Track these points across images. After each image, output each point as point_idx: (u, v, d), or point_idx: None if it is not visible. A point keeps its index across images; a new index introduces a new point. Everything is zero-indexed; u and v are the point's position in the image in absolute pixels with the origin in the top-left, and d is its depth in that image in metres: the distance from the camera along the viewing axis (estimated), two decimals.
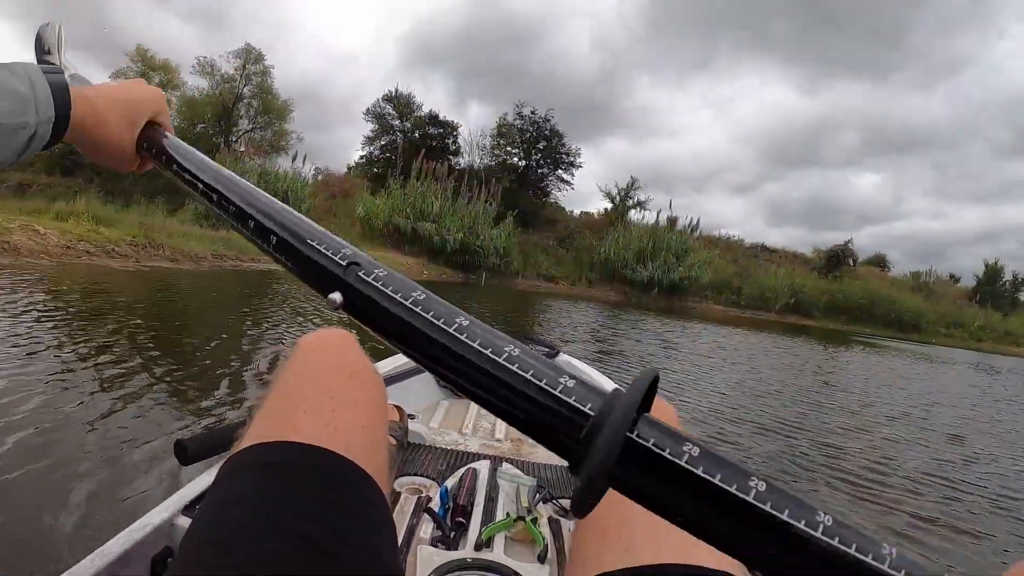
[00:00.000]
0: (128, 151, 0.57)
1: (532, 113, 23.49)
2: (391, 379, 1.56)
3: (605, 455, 0.27)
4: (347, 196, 20.16)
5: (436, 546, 0.94)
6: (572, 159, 24.14)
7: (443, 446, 1.46)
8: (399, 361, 1.78)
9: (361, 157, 24.30)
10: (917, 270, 34.13)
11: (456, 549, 0.94)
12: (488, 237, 18.01)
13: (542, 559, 0.94)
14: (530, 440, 1.56)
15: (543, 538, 0.98)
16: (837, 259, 28.32)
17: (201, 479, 0.98)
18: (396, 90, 23.50)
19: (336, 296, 0.37)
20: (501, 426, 1.68)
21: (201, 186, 0.49)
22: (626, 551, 0.50)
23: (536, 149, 23.44)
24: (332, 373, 0.58)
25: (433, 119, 23.35)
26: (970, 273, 38.10)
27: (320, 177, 22.82)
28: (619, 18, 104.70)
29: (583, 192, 48.48)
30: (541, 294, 16.31)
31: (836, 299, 24.87)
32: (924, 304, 27.74)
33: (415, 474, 1.24)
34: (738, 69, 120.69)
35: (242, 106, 23.13)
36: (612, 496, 0.46)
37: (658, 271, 20.97)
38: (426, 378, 1.86)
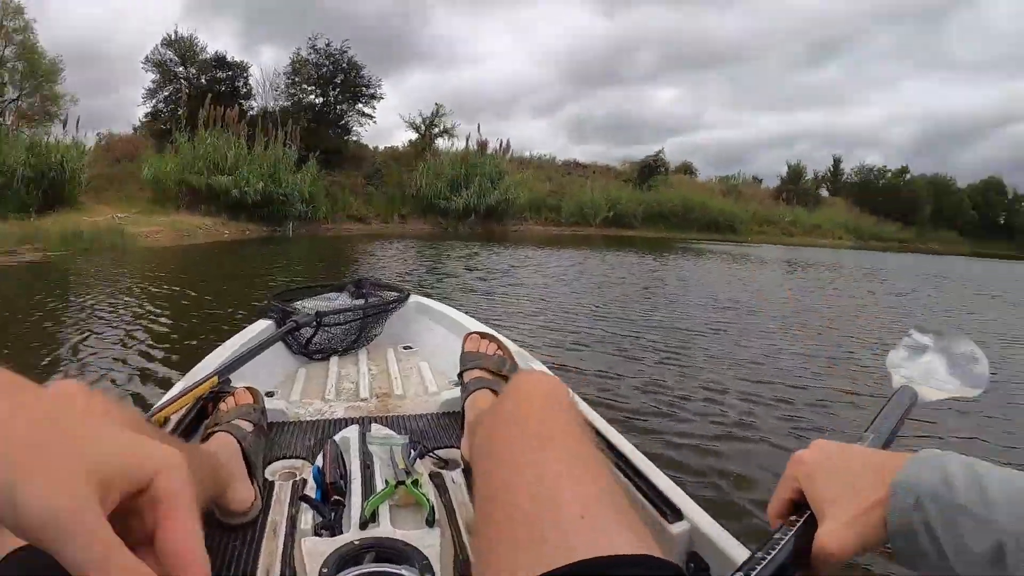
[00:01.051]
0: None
1: (327, 46, 22.50)
2: (240, 358, 1.42)
3: None
4: (133, 159, 18.58)
5: (320, 534, 0.90)
6: (373, 91, 23.48)
7: (308, 419, 1.40)
8: (245, 338, 1.67)
9: (146, 115, 22.30)
10: (723, 175, 37.30)
11: (341, 532, 0.90)
12: (291, 183, 17.42)
13: (431, 522, 0.92)
14: (396, 392, 1.55)
15: (427, 499, 0.96)
16: (650, 170, 29.52)
17: None
18: (176, 32, 21.64)
19: None
20: (364, 384, 1.62)
21: None
22: (538, 555, 0.48)
23: (334, 84, 22.57)
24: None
25: (220, 61, 21.73)
26: (772, 175, 41.57)
27: (103, 143, 20.89)
28: None
29: (387, 127, 47.96)
30: (354, 238, 16.16)
31: (653, 208, 26.45)
32: (735, 206, 30.26)
33: (284, 457, 1.20)
34: None
35: (4, 71, 20.48)
36: (516, 495, 0.55)
37: (473, 197, 21.18)
38: (277, 349, 1.72)
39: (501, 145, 24.43)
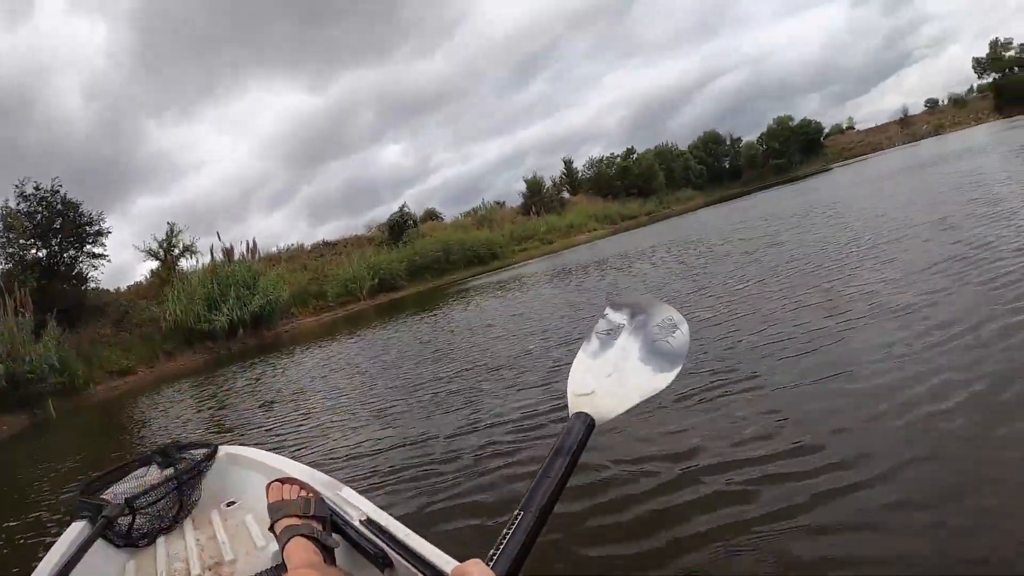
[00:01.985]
0: None
1: (36, 190, 20.71)
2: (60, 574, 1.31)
3: None
4: None
5: None
6: (98, 227, 22.01)
7: None
8: (62, 549, 1.50)
9: None
10: (467, 209, 39.26)
11: None
12: (35, 357, 16.01)
13: None
14: (227, 558, 1.50)
15: None
16: (399, 227, 30.25)
17: None
18: None
19: None
20: (194, 560, 1.56)
21: None
22: None
23: (54, 231, 20.88)
24: None
25: None
26: (513, 194, 44.58)
27: None
28: (109, 60, 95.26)
29: (124, 264, 44.24)
30: (126, 395, 15.18)
31: (415, 262, 26.89)
32: (492, 234, 31.70)
33: None
34: (246, 85, 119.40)
35: None
36: None
37: (235, 310, 20.62)
38: (99, 550, 1.57)
39: (248, 247, 24.13)
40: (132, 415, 10.54)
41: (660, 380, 0.86)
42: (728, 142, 57.61)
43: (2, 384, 14.96)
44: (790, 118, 54.72)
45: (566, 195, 43.45)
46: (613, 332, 0.96)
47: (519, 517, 0.69)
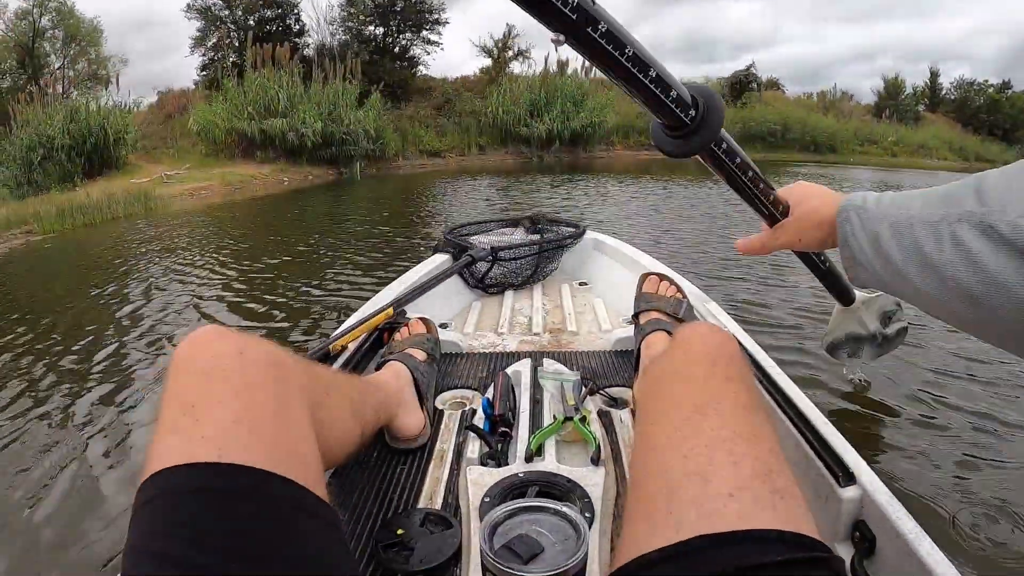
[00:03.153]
0: None
1: None
2: (417, 290, 1.48)
3: (715, 129, 0.70)
4: (184, 113, 17.02)
5: (485, 464, 0.91)
6: (436, 16, 21.03)
7: (480, 350, 1.40)
8: (423, 271, 1.72)
9: (197, 68, 20.58)
10: (808, 91, 32.83)
11: (506, 464, 0.91)
12: (354, 121, 15.28)
13: (595, 460, 0.91)
14: (569, 328, 1.57)
15: (594, 437, 0.96)
16: (741, 85, 26.32)
17: None
18: None
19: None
20: (538, 319, 1.62)
21: None
22: (676, 528, 0.47)
23: (393, 12, 20.23)
24: (192, 377, 0.54)
25: None
26: (859, 91, 36.74)
27: (155, 101, 19.51)
28: None
29: (454, 61, 44.56)
30: (428, 175, 14.18)
31: (750, 127, 22.89)
32: (837, 124, 26.25)
33: (454, 387, 1.21)
34: None
35: (46, 42, 19.41)
36: (668, 462, 0.53)
37: (556, 122, 18.73)
38: (453, 283, 1.75)
39: (582, 65, 21.26)
40: (423, 197, 9.99)
41: None
42: None
43: (317, 139, 14.55)
44: None
45: (921, 110, 34.28)
46: None
47: None
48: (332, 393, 0.73)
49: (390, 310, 1.29)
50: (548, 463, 0.88)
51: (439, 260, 1.80)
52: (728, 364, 0.63)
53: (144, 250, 5.64)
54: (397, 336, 1.24)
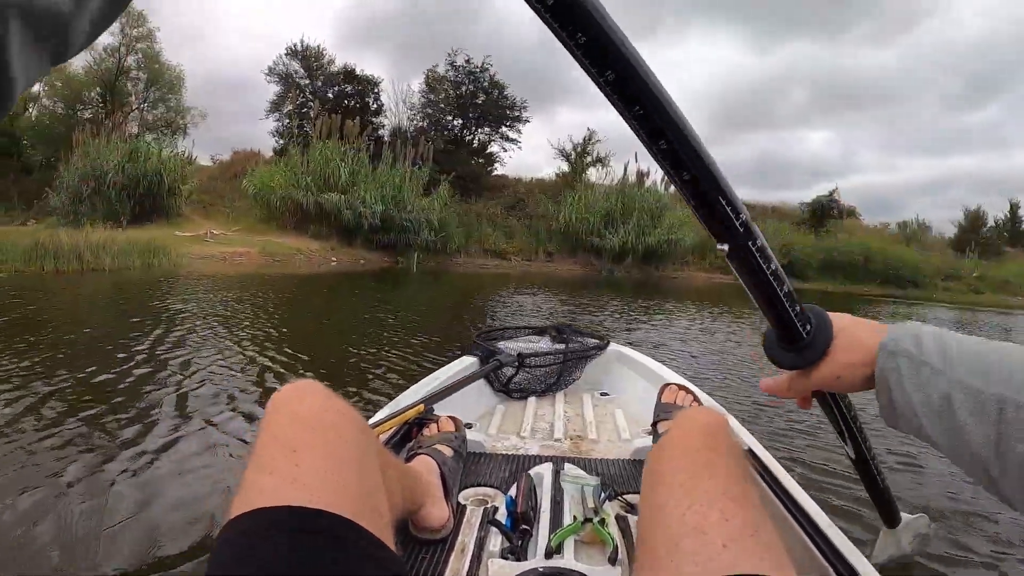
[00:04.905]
0: None
1: (467, 62, 19.53)
2: (446, 390, 1.48)
3: (823, 348, 0.61)
4: (245, 173, 16.25)
5: (506, 557, 0.92)
6: (518, 113, 20.28)
7: (503, 452, 1.43)
8: (451, 372, 1.74)
9: (273, 134, 20.10)
10: (883, 221, 31.01)
11: (526, 559, 0.91)
12: (418, 208, 14.18)
13: (613, 561, 0.92)
14: (589, 436, 1.57)
15: (612, 539, 0.96)
16: (823, 211, 24.99)
17: None
18: (302, 42, 19.52)
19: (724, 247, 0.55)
20: (560, 425, 1.63)
21: None
22: (678, 572, 0.52)
23: (474, 105, 19.56)
24: (293, 425, 0.58)
25: (349, 75, 19.35)
26: (933, 222, 34.67)
27: (224, 158, 19.09)
28: None
29: (532, 163, 44.43)
30: (489, 276, 12.88)
31: (832, 257, 21.20)
32: (920, 256, 24.23)
33: (478, 484, 1.22)
34: (686, 32, 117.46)
35: (129, 82, 19.31)
36: (668, 519, 0.58)
37: (631, 236, 17.44)
38: (479, 386, 1.77)
39: (662, 179, 20.09)
40: (479, 300, 8.91)
41: None
42: None
43: (376, 221, 13.47)
44: None
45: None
46: None
47: None
48: (388, 464, 0.75)
49: (421, 406, 1.30)
50: (567, 560, 0.88)
51: (468, 362, 1.83)
52: (718, 438, 0.69)
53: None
54: (426, 431, 1.26)
